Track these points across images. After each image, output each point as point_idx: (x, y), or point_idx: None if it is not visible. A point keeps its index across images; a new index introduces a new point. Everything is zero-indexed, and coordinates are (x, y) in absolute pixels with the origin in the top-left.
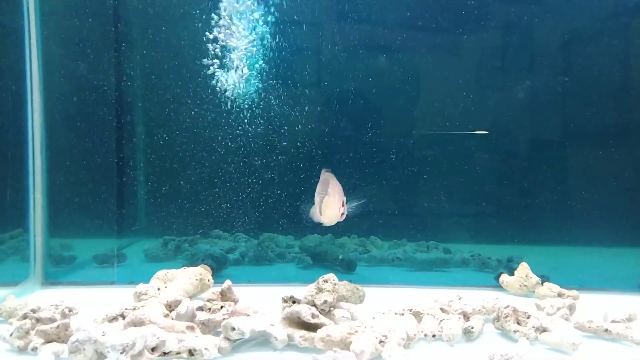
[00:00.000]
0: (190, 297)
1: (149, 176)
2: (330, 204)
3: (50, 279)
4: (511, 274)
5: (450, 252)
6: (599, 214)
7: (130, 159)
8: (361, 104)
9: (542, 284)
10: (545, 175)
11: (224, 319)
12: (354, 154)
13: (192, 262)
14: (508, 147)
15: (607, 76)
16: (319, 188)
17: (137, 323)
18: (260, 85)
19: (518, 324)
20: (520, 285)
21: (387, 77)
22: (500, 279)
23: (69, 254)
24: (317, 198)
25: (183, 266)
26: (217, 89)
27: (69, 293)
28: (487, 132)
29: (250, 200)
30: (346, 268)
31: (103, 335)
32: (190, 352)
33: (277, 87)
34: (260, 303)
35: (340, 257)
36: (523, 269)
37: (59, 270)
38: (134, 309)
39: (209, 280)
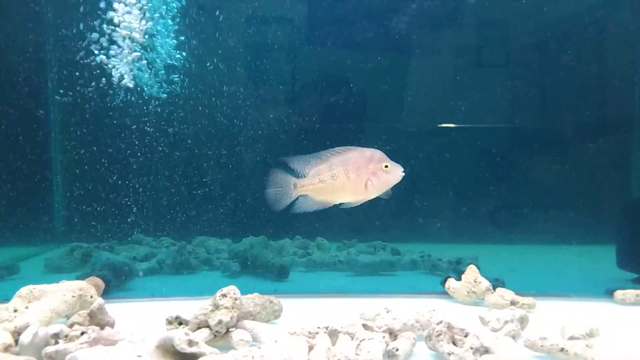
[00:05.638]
0: (67, 318)
1: (59, 175)
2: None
3: None
4: (459, 278)
5: (399, 253)
6: (564, 209)
7: (35, 157)
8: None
9: (494, 289)
10: (504, 168)
11: (81, 347)
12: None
13: (90, 273)
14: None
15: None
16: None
17: None
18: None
19: (454, 343)
20: (468, 292)
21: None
22: (447, 285)
23: None
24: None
25: (62, 281)
26: (134, 81)
27: None
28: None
29: (178, 200)
30: (277, 275)
31: None
32: None
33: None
34: (149, 325)
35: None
36: (471, 272)
37: None
38: None
39: (91, 297)
